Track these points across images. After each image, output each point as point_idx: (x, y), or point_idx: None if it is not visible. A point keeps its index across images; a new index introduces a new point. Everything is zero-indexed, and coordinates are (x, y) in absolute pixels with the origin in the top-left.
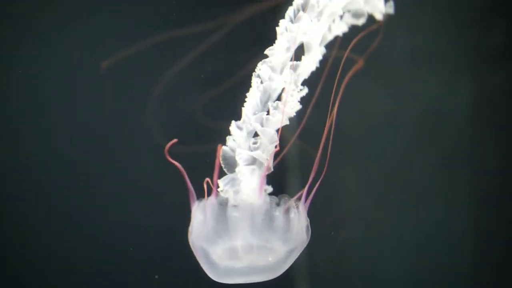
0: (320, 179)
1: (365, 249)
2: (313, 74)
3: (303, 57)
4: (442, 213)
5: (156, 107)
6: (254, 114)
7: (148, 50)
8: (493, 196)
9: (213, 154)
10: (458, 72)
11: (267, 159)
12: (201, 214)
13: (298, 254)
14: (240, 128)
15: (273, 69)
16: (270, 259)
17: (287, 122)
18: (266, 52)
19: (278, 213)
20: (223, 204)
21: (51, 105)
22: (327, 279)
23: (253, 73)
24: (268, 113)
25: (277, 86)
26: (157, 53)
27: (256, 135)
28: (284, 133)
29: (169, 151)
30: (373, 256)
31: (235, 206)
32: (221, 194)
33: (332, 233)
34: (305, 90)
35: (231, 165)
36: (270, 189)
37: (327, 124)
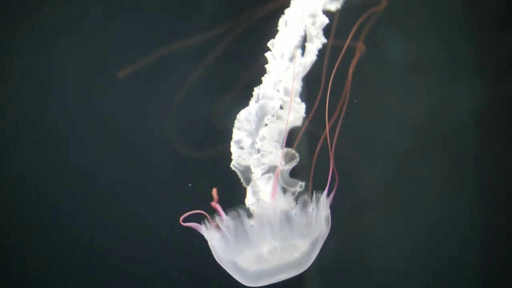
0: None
1: (367, 249)
2: (316, 75)
3: (301, 59)
4: (447, 216)
5: (173, 112)
6: (251, 131)
7: (161, 57)
8: (498, 199)
9: (225, 157)
10: (466, 77)
11: (279, 161)
12: (216, 231)
13: (322, 244)
14: (241, 148)
15: (271, 84)
16: (295, 255)
17: (289, 129)
18: (266, 66)
19: (295, 211)
20: (237, 216)
21: (69, 112)
22: (334, 276)
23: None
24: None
25: (275, 104)
26: (170, 60)
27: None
28: (291, 133)
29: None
30: (374, 255)
31: (251, 215)
32: (249, 207)
33: (338, 231)
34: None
35: (246, 178)
36: (299, 188)
37: (332, 126)
